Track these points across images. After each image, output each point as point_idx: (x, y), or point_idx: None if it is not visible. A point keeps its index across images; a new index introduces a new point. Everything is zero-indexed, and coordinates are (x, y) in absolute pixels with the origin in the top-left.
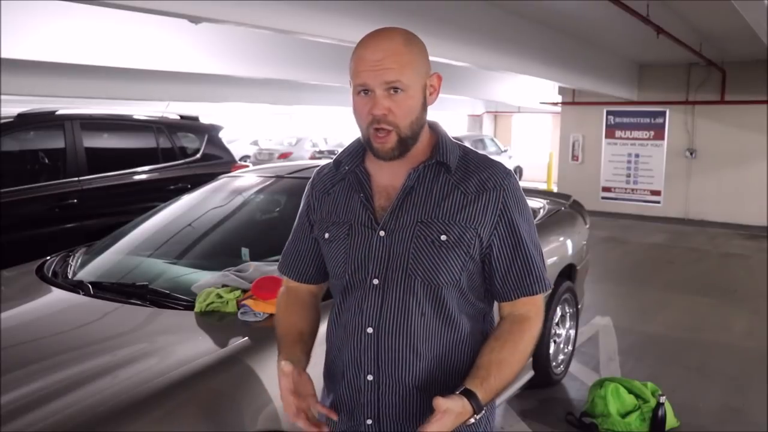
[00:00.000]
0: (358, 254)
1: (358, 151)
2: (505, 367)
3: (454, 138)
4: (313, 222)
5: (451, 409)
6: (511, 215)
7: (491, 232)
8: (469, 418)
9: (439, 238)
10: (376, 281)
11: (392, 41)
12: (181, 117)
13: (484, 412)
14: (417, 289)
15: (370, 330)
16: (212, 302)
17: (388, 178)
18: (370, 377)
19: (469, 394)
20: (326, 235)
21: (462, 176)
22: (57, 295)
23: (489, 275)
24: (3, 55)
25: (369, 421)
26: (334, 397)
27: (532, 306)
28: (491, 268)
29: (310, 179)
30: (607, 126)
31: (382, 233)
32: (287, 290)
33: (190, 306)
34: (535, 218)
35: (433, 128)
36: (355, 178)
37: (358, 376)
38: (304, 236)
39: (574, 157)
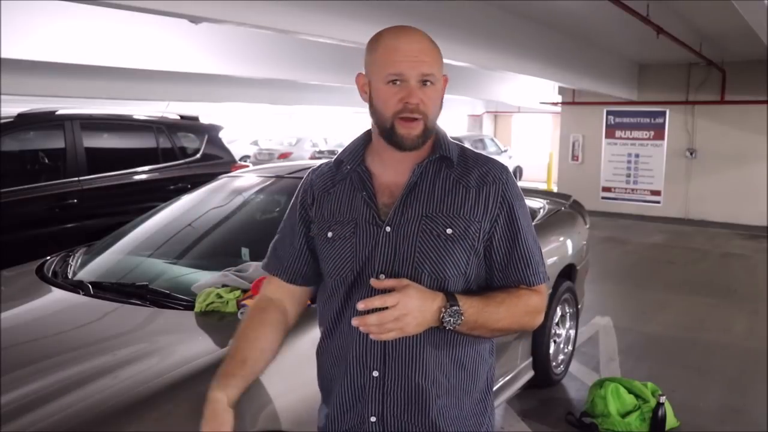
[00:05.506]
0: (365, 251)
1: (359, 151)
2: (494, 306)
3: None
4: (310, 220)
5: (415, 285)
6: (511, 207)
7: (492, 224)
8: (442, 308)
9: (445, 231)
10: (382, 277)
11: (423, 37)
12: (181, 117)
13: (459, 318)
14: (424, 283)
15: None
16: (212, 302)
17: (390, 175)
18: (375, 373)
19: (448, 294)
20: (329, 234)
21: (462, 171)
22: (57, 295)
23: (489, 267)
24: (3, 55)
25: (373, 419)
26: (335, 397)
27: (534, 294)
28: (491, 259)
29: (305, 179)
30: (607, 126)
31: (388, 229)
32: (262, 305)
33: (190, 306)
34: (535, 218)
35: None
36: (357, 176)
37: (363, 372)
38: (300, 234)
39: (574, 157)
